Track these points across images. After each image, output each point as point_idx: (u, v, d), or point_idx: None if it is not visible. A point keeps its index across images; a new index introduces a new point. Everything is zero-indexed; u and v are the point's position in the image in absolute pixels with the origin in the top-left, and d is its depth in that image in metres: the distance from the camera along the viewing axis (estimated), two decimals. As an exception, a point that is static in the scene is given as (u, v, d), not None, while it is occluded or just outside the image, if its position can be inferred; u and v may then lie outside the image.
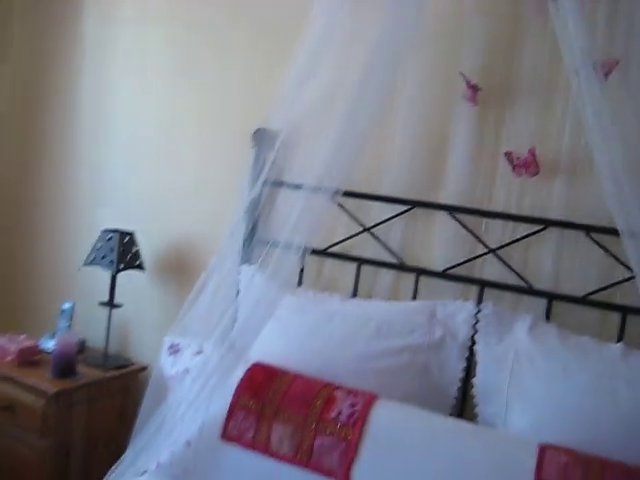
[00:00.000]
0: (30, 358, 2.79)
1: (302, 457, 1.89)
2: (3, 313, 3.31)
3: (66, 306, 2.92)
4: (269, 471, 1.92)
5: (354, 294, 2.42)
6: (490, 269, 2.24)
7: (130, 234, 2.79)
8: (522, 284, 2.18)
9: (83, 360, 2.82)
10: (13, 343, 2.81)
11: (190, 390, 2.03)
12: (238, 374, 2.07)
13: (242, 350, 2.01)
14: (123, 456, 2.07)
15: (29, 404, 2.61)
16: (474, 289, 2.25)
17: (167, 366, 2.24)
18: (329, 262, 2.51)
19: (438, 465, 1.79)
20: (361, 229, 2.42)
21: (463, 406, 2.18)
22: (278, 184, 2.43)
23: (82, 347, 2.93)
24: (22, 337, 2.88)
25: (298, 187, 2.14)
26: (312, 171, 2.08)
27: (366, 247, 2.43)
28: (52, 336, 2.87)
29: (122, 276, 2.80)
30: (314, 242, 2.24)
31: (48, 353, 2.81)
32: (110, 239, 2.77)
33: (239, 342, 2.00)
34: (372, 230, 2.41)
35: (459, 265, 2.26)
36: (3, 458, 2.67)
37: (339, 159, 2.04)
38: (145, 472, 2.11)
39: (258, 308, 2.04)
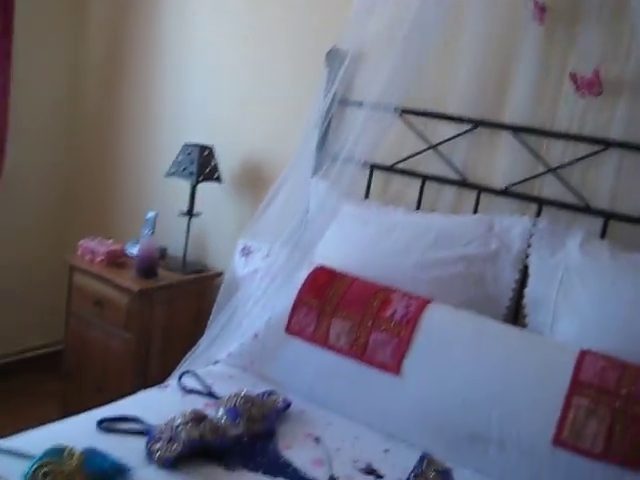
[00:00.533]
0: (117, 260, 3.03)
1: (357, 350, 2.05)
2: (94, 220, 3.59)
3: (150, 215, 3.13)
4: (327, 362, 2.11)
5: (417, 209, 2.53)
6: (549, 189, 2.30)
7: (209, 148, 2.96)
8: (580, 204, 2.24)
9: (164, 266, 3.04)
10: (102, 246, 3.05)
11: (258, 287, 2.21)
12: (302, 275, 2.24)
13: (306, 251, 2.17)
14: (198, 343, 2.30)
15: (116, 300, 2.87)
16: (533, 208, 2.32)
17: (239, 267, 2.44)
18: (395, 178, 2.62)
19: (484, 363, 1.93)
20: (427, 146, 2.52)
21: (516, 317, 2.28)
22: (346, 101, 2.54)
23: (163, 254, 3.15)
24: (110, 241, 3.13)
25: (362, 104, 2.25)
26: (376, 89, 2.18)
27: (431, 164, 2.51)
28: (136, 242, 3.08)
29: (201, 188, 2.99)
30: (377, 156, 2.36)
31: (132, 257, 3.06)
32: (190, 153, 2.94)
33: (303, 244, 2.16)
34: (437, 148, 2.50)
35: (519, 183, 2.33)
36: (94, 347, 2.97)
37: (400, 77, 2.13)
38: (217, 362, 2.33)
39: (320, 214, 2.19)
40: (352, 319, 2.09)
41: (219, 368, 2.29)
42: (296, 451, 1.84)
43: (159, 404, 1.99)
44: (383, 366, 2.01)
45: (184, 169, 2.94)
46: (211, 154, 2.97)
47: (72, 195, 3.69)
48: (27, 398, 3.31)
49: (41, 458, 1.51)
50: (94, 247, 3.04)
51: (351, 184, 2.25)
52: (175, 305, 2.97)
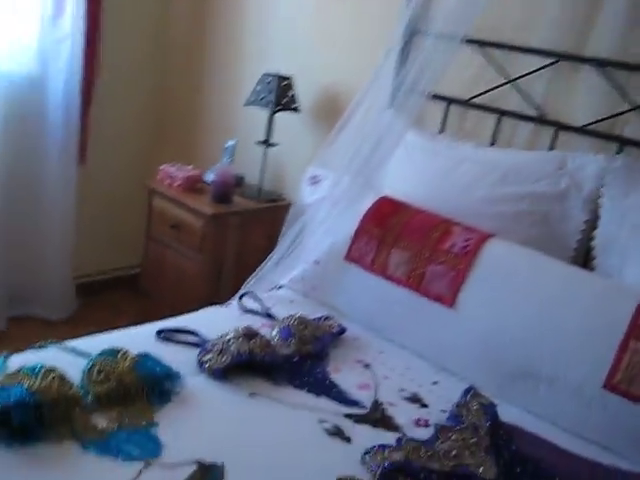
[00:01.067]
0: (194, 186, 3.11)
1: (414, 281, 2.05)
2: (174, 146, 3.69)
3: (229, 143, 3.19)
4: (384, 291, 2.11)
5: (492, 145, 2.46)
6: (632, 128, 2.17)
7: (288, 78, 2.96)
8: (666, 145, 2.12)
9: (240, 193, 3.10)
10: (181, 172, 3.13)
11: (322, 212, 2.23)
12: (367, 204, 2.24)
13: (369, 177, 2.17)
14: (261, 266, 2.35)
15: (191, 224, 2.96)
16: (613, 148, 2.21)
17: (306, 195, 2.46)
18: (472, 113, 2.55)
19: (540, 299, 1.88)
20: (505, 81, 2.42)
21: (586, 259, 2.20)
22: (422, 32, 2.48)
23: (240, 182, 3.20)
24: (189, 167, 3.21)
25: (436, 34, 2.19)
26: (449, 19, 2.13)
27: (508, 99, 2.43)
28: (215, 169, 3.17)
29: (279, 118, 3.01)
30: (454, 90, 2.31)
31: (209, 184, 3.12)
32: (269, 82, 2.95)
33: (367, 170, 2.15)
34: (516, 82, 2.40)
35: (600, 121, 2.22)
36: (170, 268, 3.09)
37: (473, 7, 2.06)
38: (281, 287, 2.38)
39: (386, 141, 2.17)
40: (411, 250, 2.08)
41: (281, 293, 2.34)
42: (344, 375, 1.87)
43: (218, 320, 2.05)
44: (439, 298, 2.00)
45: (262, 98, 2.96)
46: (289, 84, 2.96)
47: (157, 122, 3.78)
48: (109, 314, 3.48)
49: (97, 357, 1.61)
50: (173, 172, 3.12)
51: (420, 114, 2.21)
52: (248, 232, 3.03)
